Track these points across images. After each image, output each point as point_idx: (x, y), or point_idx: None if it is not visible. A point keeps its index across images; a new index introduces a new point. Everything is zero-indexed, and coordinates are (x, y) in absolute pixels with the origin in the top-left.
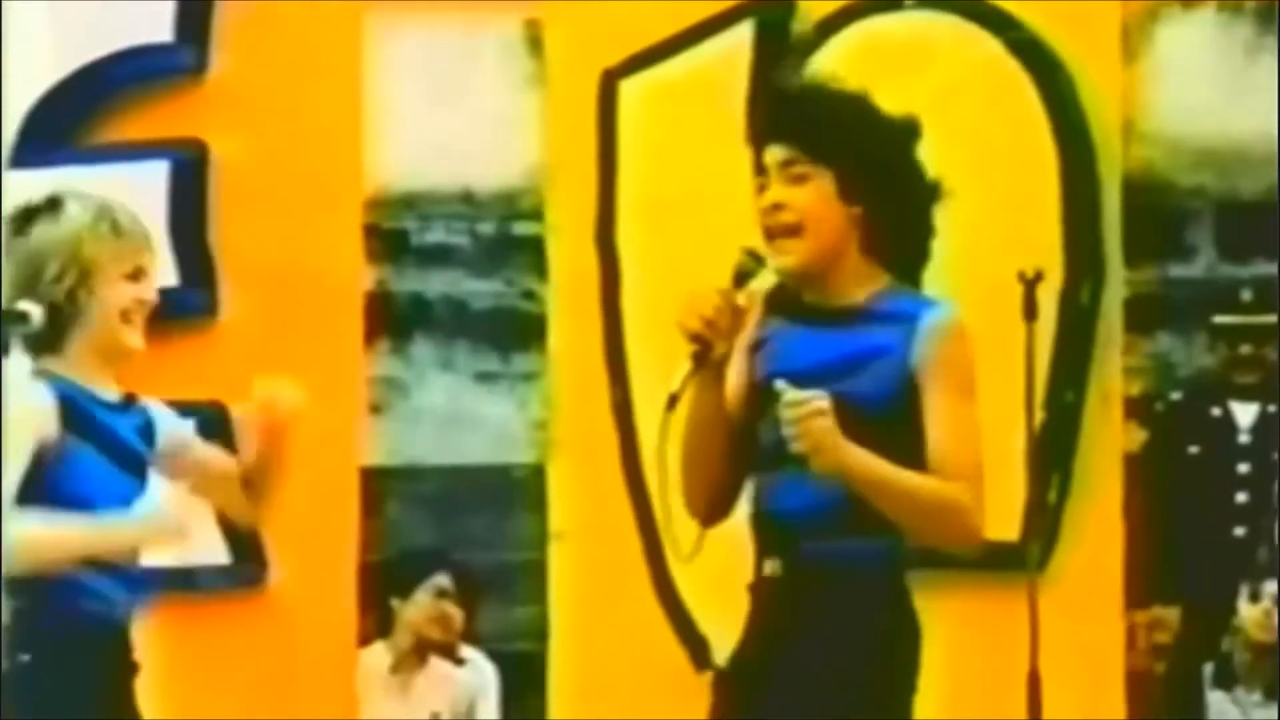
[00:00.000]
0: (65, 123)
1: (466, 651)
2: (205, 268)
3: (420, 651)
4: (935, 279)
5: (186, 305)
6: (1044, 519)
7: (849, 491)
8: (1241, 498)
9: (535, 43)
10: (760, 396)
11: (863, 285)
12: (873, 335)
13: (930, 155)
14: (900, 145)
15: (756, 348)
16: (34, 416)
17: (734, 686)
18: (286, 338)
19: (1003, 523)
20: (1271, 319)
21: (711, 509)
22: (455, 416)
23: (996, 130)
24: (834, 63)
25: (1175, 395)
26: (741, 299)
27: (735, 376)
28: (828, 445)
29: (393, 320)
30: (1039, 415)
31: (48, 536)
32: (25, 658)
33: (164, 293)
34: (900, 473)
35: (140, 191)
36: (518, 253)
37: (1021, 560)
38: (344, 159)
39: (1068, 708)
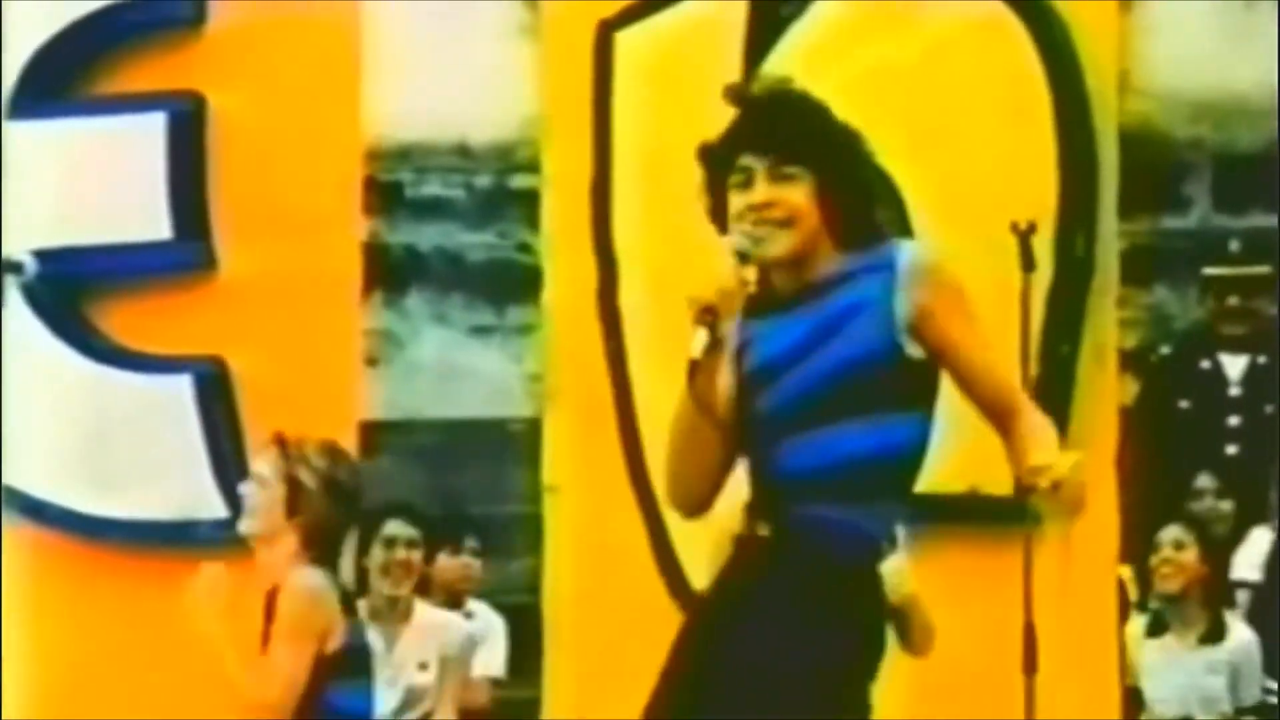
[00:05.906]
0: (64, 75)
1: (473, 605)
2: (202, 221)
3: (390, 604)
4: (931, 230)
5: (184, 258)
6: None
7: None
8: (1232, 450)
9: None
10: (749, 388)
11: (830, 264)
12: (847, 296)
13: (927, 106)
14: (860, 146)
15: (740, 351)
16: None
17: (699, 631)
18: (283, 290)
19: (999, 478)
20: (1260, 270)
21: (698, 502)
22: (450, 370)
23: (992, 82)
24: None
25: (1165, 348)
26: (748, 274)
27: (723, 382)
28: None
29: (388, 273)
30: (1034, 368)
31: None
32: None
33: (161, 246)
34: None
35: (138, 144)
36: (513, 205)
37: (1017, 514)
38: (340, 111)
39: (1063, 660)
